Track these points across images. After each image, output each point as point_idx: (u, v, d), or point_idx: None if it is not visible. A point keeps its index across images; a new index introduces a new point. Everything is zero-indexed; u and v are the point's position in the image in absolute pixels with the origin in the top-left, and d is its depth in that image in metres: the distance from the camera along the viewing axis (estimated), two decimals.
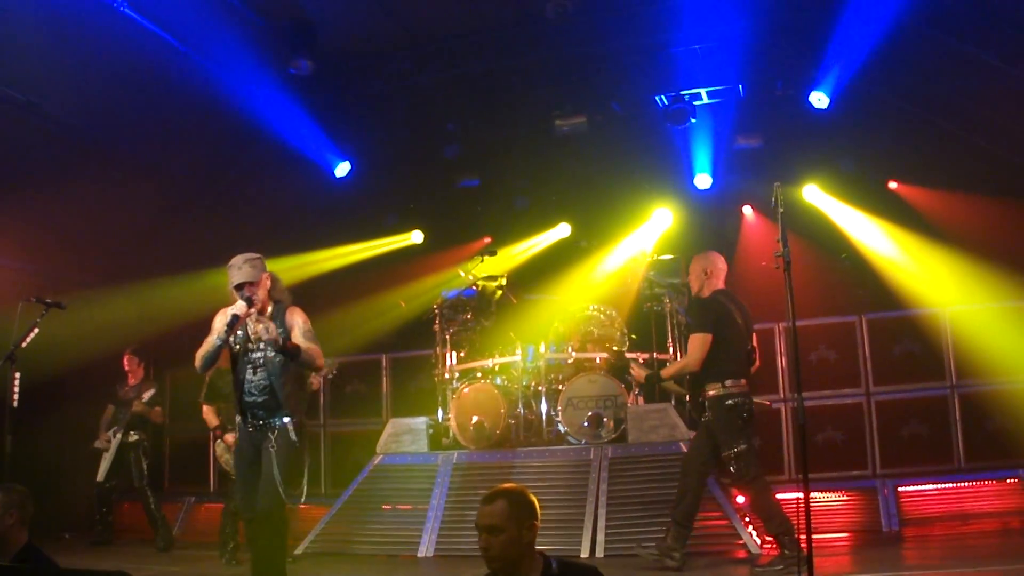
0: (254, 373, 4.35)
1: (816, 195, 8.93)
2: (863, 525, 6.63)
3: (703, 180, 9.17)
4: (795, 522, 4.76)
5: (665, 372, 5.57)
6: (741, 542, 5.69)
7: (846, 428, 7.47)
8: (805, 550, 3.99)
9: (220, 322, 4.33)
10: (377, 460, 7.18)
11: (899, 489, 6.71)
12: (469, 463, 6.85)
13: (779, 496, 5.30)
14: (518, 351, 7.35)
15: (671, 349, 7.57)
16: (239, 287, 4.31)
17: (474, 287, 7.89)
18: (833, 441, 7.47)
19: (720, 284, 5.45)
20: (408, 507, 6.72)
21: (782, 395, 7.73)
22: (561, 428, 6.98)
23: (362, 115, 9.11)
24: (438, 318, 7.86)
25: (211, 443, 7.17)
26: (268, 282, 4.43)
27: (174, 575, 6.12)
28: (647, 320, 7.67)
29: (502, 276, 8.03)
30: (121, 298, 8.65)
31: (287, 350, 4.19)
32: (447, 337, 7.76)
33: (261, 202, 9.60)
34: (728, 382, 5.16)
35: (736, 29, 7.70)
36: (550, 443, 7.06)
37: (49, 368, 6.81)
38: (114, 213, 8.54)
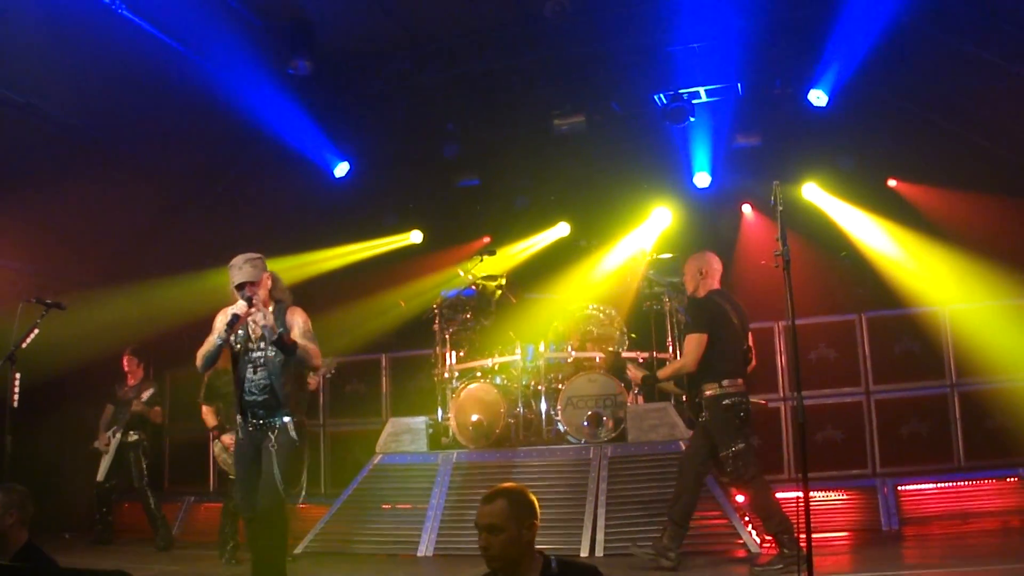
0: (254, 372, 4.36)
1: (815, 193, 8.93)
2: (863, 524, 6.63)
3: (702, 179, 9.16)
4: (795, 521, 4.76)
5: (662, 373, 5.57)
6: (741, 541, 5.69)
7: (846, 427, 7.47)
8: (805, 549, 4.00)
9: (221, 322, 4.34)
10: (377, 460, 7.19)
11: (899, 488, 6.72)
12: (469, 462, 6.85)
13: (779, 495, 5.30)
14: (518, 350, 7.35)
15: (670, 348, 7.56)
16: (240, 287, 4.33)
17: (474, 287, 7.90)
18: (833, 440, 7.47)
19: (715, 284, 5.46)
20: (408, 506, 6.72)
21: (782, 394, 7.73)
22: (561, 427, 6.98)
23: (361, 115, 9.11)
24: (438, 318, 7.86)
25: (210, 443, 7.18)
26: (269, 282, 4.45)
27: (174, 574, 6.12)
28: (647, 319, 7.67)
29: (502, 276, 8.04)
30: (121, 298, 8.65)
31: (284, 343, 4.20)
32: (447, 337, 7.77)
33: (260, 202, 9.60)
34: (725, 382, 5.17)
35: (735, 27, 7.69)
36: (550, 442, 7.07)
37: (49, 368, 6.81)
38: (114, 213, 8.55)
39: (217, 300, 4.77)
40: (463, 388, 7.17)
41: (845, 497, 6.80)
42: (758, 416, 7.52)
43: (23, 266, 8.22)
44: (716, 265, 5.50)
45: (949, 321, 7.38)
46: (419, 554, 6.28)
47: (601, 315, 7.61)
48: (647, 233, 9.50)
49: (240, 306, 4.27)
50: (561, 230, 10.20)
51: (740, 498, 5.84)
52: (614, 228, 9.69)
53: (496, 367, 7.50)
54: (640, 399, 7.18)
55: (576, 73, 8.49)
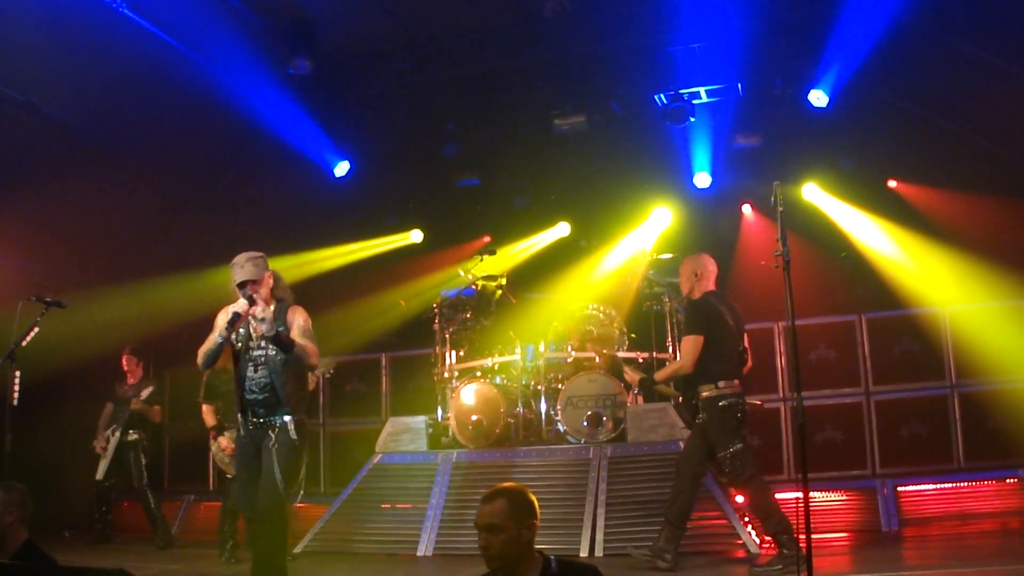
0: (255, 371, 4.37)
1: (816, 194, 8.93)
2: (862, 525, 6.63)
3: (702, 179, 9.16)
4: (794, 522, 4.76)
5: (659, 375, 5.58)
6: (740, 542, 5.69)
7: (845, 428, 7.47)
8: (804, 550, 4.00)
9: (222, 320, 4.34)
10: (376, 459, 7.19)
11: (898, 489, 6.71)
12: (468, 462, 6.85)
13: (778, 496, 5.30)
14: (517, 350, 7.35)
15: (670, 348, 7.56)
16: (241, 285, 4.34)
17: (474, 286, 7.90)
18: (832, 441, 7.46)
19: (711, 286, 5.46)
20: (407, 506, 6.72)
21: (781, 394, 7.73)
22: (560, 427, 6.98)
23: (361, 114, 9.11)
24: (438, 317, 7.87)
25: (210, 442, 7.18)
26: (270, 281, 4.46)
27: (174, 573, 6.12)
28: (646, 319, 7.68)
29: (502, 275, 8.04)
30: (121, 297, 8.65)
31: (281, 341, 4.21)
32: (447, 336, 7.77)
33: (261, 201, 9.60)
34: (721, 383, 5.18)
35: (735, 28, 7.70)
36: (549, 442, 7.07)
37: (49, 367, 6.81)
38: (114, 212, 8.55)
39: (217, 299, 4.77)
40: (463, 388, 7.17)
41: (845, 498, 6.79)
42: (758, 417, 7.55)
43: (23, 264, 8.22)
44: (711, 267, 5.51)
45: (949, 322, 7.38)
46: (419, 554, 6.28)
47: (601, 315, 7.61)
48: (647, 233, 9.50)
49: (241, 304, 4.27)
50: (561, 230, 10.20)
51: (740, 498, 5.84)
52: (614, 228, 9.69)
53: (496, 367, 7.50)
54: (640, 399, 7.19)
55: (576, 73, 8.50)
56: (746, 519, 5.83)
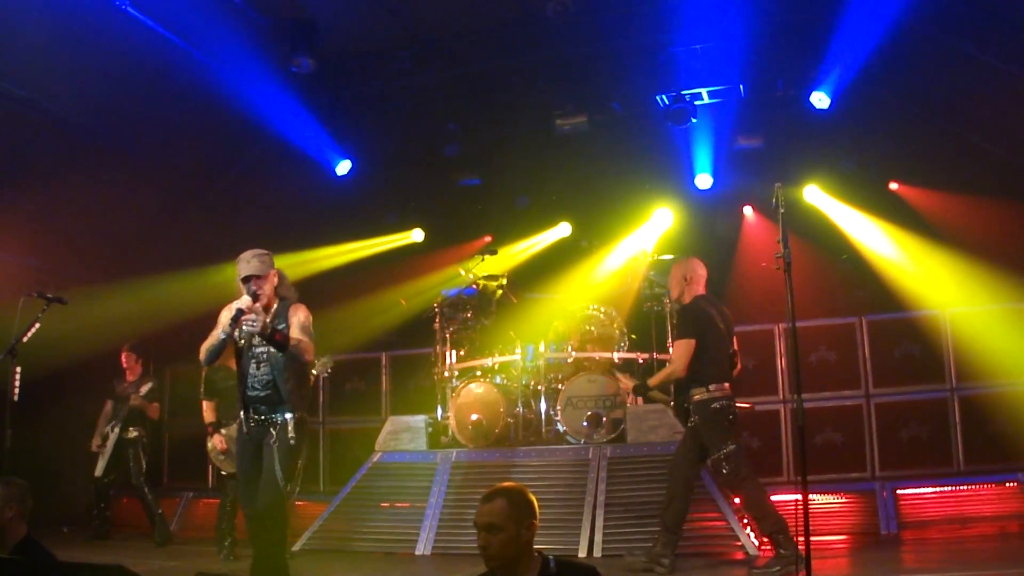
0: (257, 368, 4.38)
1: (817, 196, 8.94)
2: (861, 528, 6.63)
3: (704, 180, 9.17)
4: (793, 524, 4.76)
5: (652, 380, 5.58)
6: (739, 543, 5.69)
7: (845, 430, 7.46)
8: (803, 552, 4.00)
9: (226, 317, 4.35)
10: (376, 458, 7.19)
11: (898, 492, 6.70)
12: (468, 462, 6.85)
13: (777, 498, 5.30)
14: (518, 350, 7.35)
15: (671, 349, 7.56)
16: (246, 279, 4.34)
17: (474, 286, 7.90)
18: (832, 443, 7.46)
19: (701, 289, 5.48)
20: (406, 505, 6.72)
21: (781, 396, 7.73)
22: (560, 427, 6.98)
23: (363, 114, 9.11)
24: (438, 316, 7.87)
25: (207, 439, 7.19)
26: (275, 278, 4.49)
27: (172, 570, 6.12)
28: (647, 320, 7.67)
29: (502, 275, 8.04)
30: (122, 294, 8.65)
31: (275, 340, 4.21)
32: (447, 335, 7.77)
33: (262, 199, 9.60)
34: (712, 386, 5.20)
35: (737, 29, 7.69)
36: (549, 442, 7.07)
37: (50, 363, 6.81)
38: (115, 210, 8.55)
39: (218, 296, 4.78)
40: (463, 387, 7.17)
41: (844, 500, 6.79)
42: (757, 419, 7.57)
43: (24, 261, 8.23)
44: (701, 271, 5.53)
45: (950, 325, 7.38)
46: (417, 552, 6.28)
47: (601, 315, 7.61)
48: (648, 234, 9.50)
49: (244, 300, 4.28)
50: (562, 230, 10.21)
51: (736, 500, 5.84)
52: (615, 229, 9.69)
53: (496, 366, 7.50)
54: (640, 400, 7.19)
55: (578, 73, 8.50)
56: (745, 520, 5.83)
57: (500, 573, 2.86)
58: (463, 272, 8.04)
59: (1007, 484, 6.53)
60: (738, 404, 5.34)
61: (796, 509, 4.04)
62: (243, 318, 4.19)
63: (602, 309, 7.66)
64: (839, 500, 6.79)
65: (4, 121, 7.10)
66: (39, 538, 3.95)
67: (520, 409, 7.24)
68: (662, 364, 7.10)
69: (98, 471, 7.47)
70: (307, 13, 7.63)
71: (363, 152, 9.41)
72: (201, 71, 7.65)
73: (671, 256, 7.63)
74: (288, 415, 4.36)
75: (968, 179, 8.12)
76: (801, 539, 4.00)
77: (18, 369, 5.07)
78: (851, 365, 7.59)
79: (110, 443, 7.44)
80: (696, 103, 8.47)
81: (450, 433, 7.26)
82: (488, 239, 10.13)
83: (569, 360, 7.32)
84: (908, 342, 7.50)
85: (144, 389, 7.42)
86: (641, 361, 7.32)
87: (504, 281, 7.93)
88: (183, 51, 7.30)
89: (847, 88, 7.80)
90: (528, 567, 2.84)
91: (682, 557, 5.40)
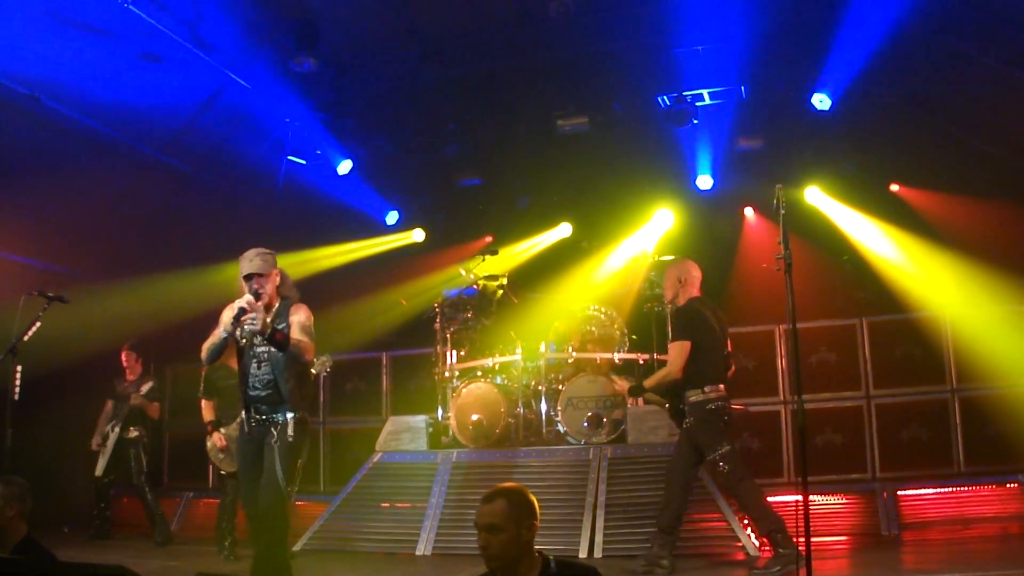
0: (258, 367, 4.39)
1: (818, 197, 8.94)
2: (862, 529, 6.63)
3: (705, 181, 9.17)
4: (794, 525, 4.75)
5: (648, 382, 5.58)
6: (739, 544, 5.69)
7: (846, 431, 7.46)
8: (804, 553, 4.00)
9: (228, 316, 4.35)
10: (376, 458, 7.19)
11: (898, 493, 6.71)
12: (468, 462, 6.85)
13: (778, 499, 5.30)
14: (518, 350, 7.35)
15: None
16: (248, 278, 4.35)
17: (475, 286, 7.90)
18: (833, 444, 7.46)
19: (695, 291, 5.49)
20: (407, 505, 6.72)
21: (782, 397, 7.72)
22: (561, 428, 6.99)
23: (364, 113, 9.11)
24: (439, 316, 7.87)
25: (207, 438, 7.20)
26: (277, 278, 4.49)
27: (173, 570, 6.12)
28: (648, 321, 7.67)
29: (503, 275, 8.04)
30: (123, 293, 8.65)
31: (275, 339, 4.22)
32: (448, 336, 7.77)
33: (263, 198, 9.60)
34: (707, 388, 5.21)
35: (738, 30, 7.70)
36: (550, 443, 7.07)
37: (50, 362, 6.81)
38: (117, 209, 8.55)
39: (219, 296, 4.78)
40: (463, 387, 7.17)
41: (845, 501, 6.79)
42: (758, 420, 7.57)
43: (26, 260, 8.23)
44: (696, 273, 5.54)
45: (950, 326, 7.38)
46: (418, 553, 6.27)
47: (602, 316, 7.62)
48: (649, 235, 9.51)
49: (246, 299, 4.28)
50: (563, 231, 10.22)
51: (735, 501, 5.84)
52: (616, 229, 9.70)
53: (497, 367, 7.50)
54: (640, 401, 7.19)
55: (579, 74, 8.50)
56: (745, 521, 5.83)
57: (501, 574, 2.86)
58: (464, 272, 8.03)
59: (1008, 485, 6.53)
60: (732, 406, 5.35)
61: (797, 510, 4.04)
62: (244, 317, 4.19)
63: (603, 310, 7.66)
64: (840, 501, 6.79)
65: (5, 119, 7.11)
66: (39, 538, 3.95)
67: (521, 409, 7.24)
68: (663, 365, 7.09)
69: (98, 471, 7.47)
70: (310, 12, 7.64)
71: (364, 151, 9.41)
72: (202, 70, 7.66)
73: (672, 257, 7.64)
74: (289, 415, 4.36)
75: (968, 181, 8.12)
76: (802, 540, 4.00)
77: (19, 368, 5.08)
78: (852, 366, 7.59)
79: (110, 443, 7.44)
80: (697, 104, 8.49)
81: (451, 433, 7.26)
82: (489, 239, 10.14)
83: (570, 361, 7.32)
84: (909, 343, 7.50)
85: (145, 388, 7.42)
86: (642, 362, 7.32)
87: (505, 281, 7.93)
88: (186, 49, 7.30)
89: (848, 89, 7.80)
90: (529, 567, 2.84)
91: (682, 558, 5.40)
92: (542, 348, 7.35)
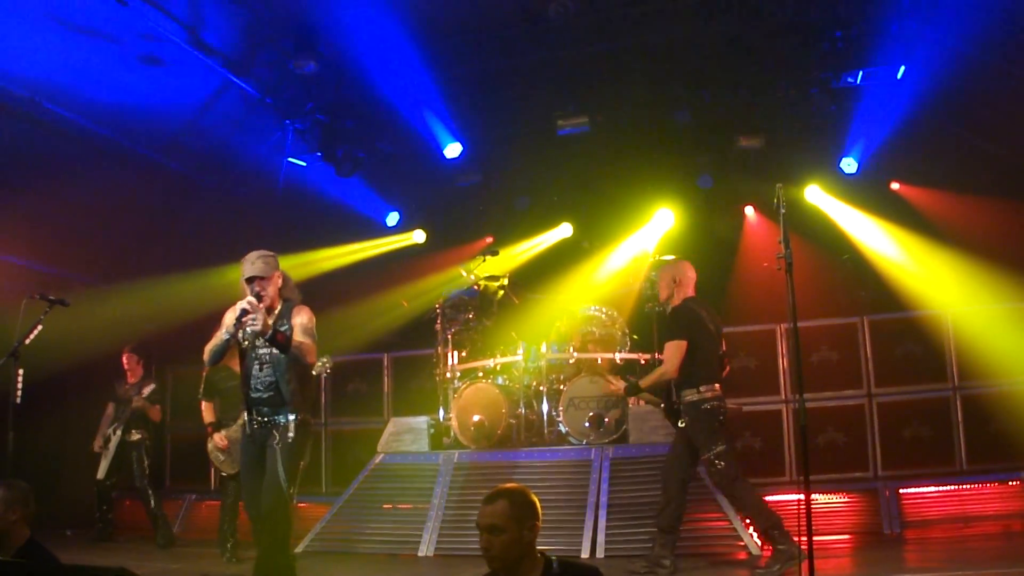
0: (260, 369, 4.39)
1: (818, 196, 8.93)
2: (864, 527, 6.62)
3: (706, 180, 9.18)
4: (795, 523, 4.76)
5: (644, 382, 5.59)
6: (742, 543, 5.69)
7: (847, 429, 7.45)
8: (806, 552, 4.00)
9: (230, 318, 4.36)
10: (378, 459, 7.19)
11: (900, 491, 6.70)
12: (470, 463, 6.85)
13: (780, 498, 5.30)
14: (519, 351, 7.35)
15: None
16: (250, 281, 4.36)
17: (476, 287, 7.90)
18: (834, 442, 7.45)
19: (690, 291, 5.50)
20: (409, 506, 6.72)
21: (783, 396, 7.72)
22: (562, 428, 6.98)
23: (364, 114, 9.12)
24: (440, 317, 7.87)
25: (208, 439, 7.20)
26: (279, 280, 4.50)
27: (175, 572, 6.13)
28: (649, 321, 7.66)
29: (504, 276, 8.04)
30: (124, 296, 8.66)
31: (277, 341, 4.22)
32: (449, 336, 7.77)
33: (263, 201, 9.61)
34: (703, 387, 5.22)
35: (739, 29, 7.71)
36: (551, 443, 7.06)
37: (52, 365, 6.82)
38: (118, 211, 8.56)
39: (220, 298, 4.78)
40: (465, 388, 7.17)
41: (846, 500, 6.78)
42: (760, 419, 7.57)
43: (27, 263, 8.24)
44: (690, 273, 5.55)
45: (951, 324, 7.37)
46: (420, 554, 6.27)
47: (603, 316, 7.61)
48: (649, 234, 9.50)
49: (248, 301, 4.29)
50: (563, 231, 10.22)
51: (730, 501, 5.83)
52: (616, 229, 9.70)
53: (498, 367, 7.50)
54: (642, 401, 7.18)
55: (579, 74, 8.50)
56: (747, 520, 5.83)
57: (503, 574, 2.86)
58: (464, 273, 8.03)
59: (1010, 483, 6.52)
60: (728, 405, 5.36)
61: (799, 509, 4.04)
62: (245, 318, 4.19)
63: (604, 310, 7.66)
64: (842, 500, 6.79)
65: (6, 123, 7.12)
66: (42, 541, 3.94)
67: (522, 410, 7.24)
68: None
69: (100, 473, 7.48)
70: (308, 15, 7.65)
71: (364, 152, 9.42)
72: (203, 72, 7.67)
73: (673, 256, 7.64)
74: (291, 417, 4.36)
75: (970, 179, 8.12)
76: (804, 539, 4.00)
77: (20, 371, 5.07)
78: (853, 365, 7.58)
79: (112, 445, 7.44)
80: (698, 104, 8.47)
81: (452, 434, 7.26)
82: (489, 240, 10.14)
83: (571, 361, 7.32)
84: (910, 342, 7.49)
85: (146, 391, 7.43)
86: (643, 362, 7.32)
87: (505, 282, 7.93)
88: (186, 52, 7.31)
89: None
90: (531, 568, 2.84)
91: (684, 557, 5.40)
92: (543, 348, 7.35)
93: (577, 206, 10.04)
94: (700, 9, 7.62)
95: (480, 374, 7.46)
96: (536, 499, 2.90)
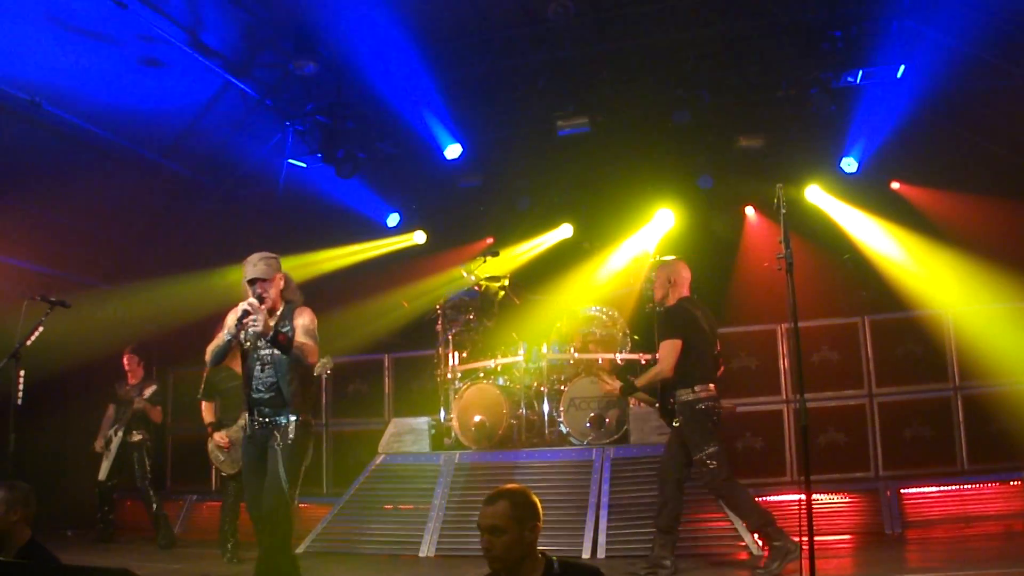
0: (262, 370, 4.40)
1: (819, 196, 8.93)
2: (865, 527, 6.62)
3: (706, 180, 9.18)
4: (796, 523, 4.76)
5: (639, 381, 5.59)
6: (743, 544, 5.69)
7: (848, 429, 7.45)
8: (807, 552, 4.00)
9: (232, 319, 4.37)
10: (379, 460, 7.19)
11: (902, 491, 6.69)
12: (471, 463, 6.85)
13: (781, 498, 5.30)
14: (520, 351, 7.35)
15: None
16: (252, 282, 4.37)
17: (477, 287, 7.90)
18: (835, 442, 7.45)
19: (685, 291, 5.51)
20: (410, 507, 6.72)
21: (784, 396, 7.71)
22: (563, 429, 6.98)
23: (365, 115, 9.12)
24: (441, 318, 7.87)
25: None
26: (281, 282, 4.51)
27: (176, 573, 6.13)
28: (649, 321, 7.66)
29: (504, 276, 8.04)
30: (125, 297, 8.68)
31: (278, 342, 4.23)
32: (449, 337, 7.77)
33: (264, 202, 9.62)
34: (697, 387, 5.23)
35: (739, 29, 7.71)
36: (552, 444, 7.07)
37: (53, 366, 6.84)
38: (119, 212, 8.58)
39: (220, 299, 4.80)
40: (466, 389, 7.17)
41: (848, 500, 6.77)
42: (761, 419, 7.57)
43: (28, 265, 8.25)
44: (685, 273, 5.56)
45: (952, 324, 7.36)
46: (421, 555, 6.27)
47: (604, 317, 7.61)
48: (650, 235, 9.50)
49: (250, 302, 4.29)
50: (564, 231, 10.22)
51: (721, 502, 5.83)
52: (617, 230, 9.70)
53: (499, 368, 7.50)
54: (638, 402, 7.18)
55: (579, 74, 8.50)
56: (741, 520, 5.82)
57: (504, 575, 2.86)
58: (465, 274, 8.04)
59: (1011, 483, 6.52)
60: (722, 404, 5.36)
61: (800, 509, 4.04)
62: (247, 319, 4.20)
63: (605, 310, 7.66)
64: (843, 500, 6.78)
65: (7, 125, 7.12)
66: (43, 541, 3.95)
67: (523, 410, 7.24)
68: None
69: (102, 474, 7.48)
70: (307, 15, 7.65)
71: (365, 153, 9.42)
72: (204, 73, 7.68)
73: (673, 257, 7.64)
74: (292, 418, 4.37)
75: (970, 178, 8.11)
76: (805, 539, 4.00)
77: (21, 373, 5.08)
78: (854, 365, 7.58)
79: (114, 446, 7.44)
80: (698, 103, 8.47)
81: (453, 435, 7.26)
82: (490, 240, 10.14)
83: (571, 361, 7.32)
84: (911, 341, 7.48)
85: (148, 392, 7.43)
86: (644, 362, 7.31)
87: (506, 282, 7.94)
88: (186, 55, 7.32)
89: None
90: (532, 569, 2.84)
91: (685, 558, 5.40)
92: (544, 349, 7.35)
93: (577, 206, 10.04)
94: (700, 9, 7.63)
95: (481, 375, 7.46)
96: (537, 500, 2.91)
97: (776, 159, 8.78)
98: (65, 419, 8.61)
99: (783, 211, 4.36)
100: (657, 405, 5.65)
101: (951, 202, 8.34)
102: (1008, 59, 6.97)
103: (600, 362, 7.24)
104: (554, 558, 2.89)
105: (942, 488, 6.67)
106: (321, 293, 8.80)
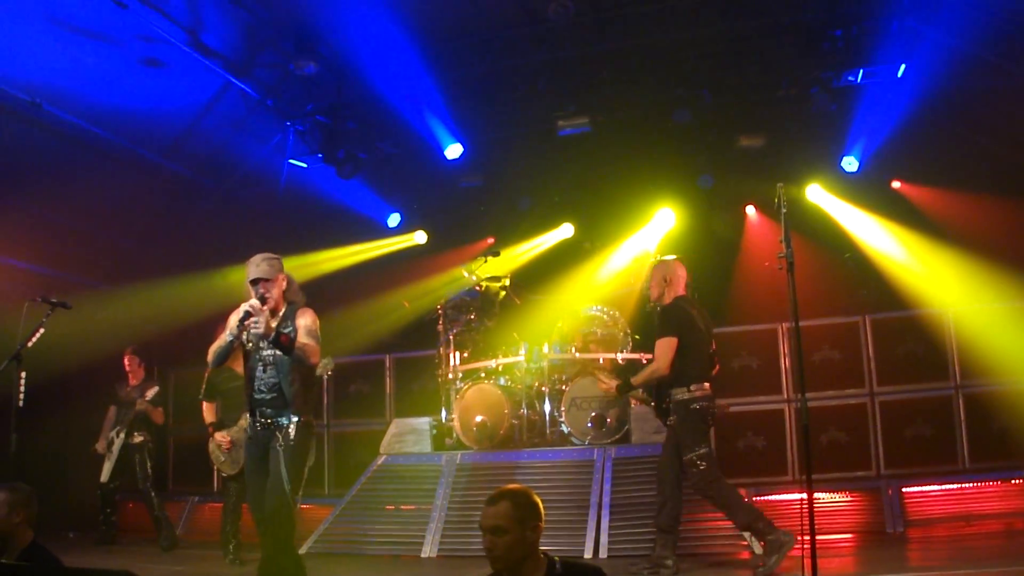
0: (264, 371, 4.40)
1: (819, 195, 8.93)
2: (867, 526, 6.62)
3: (706, 180, 9.18)
4: (798, 522, 4.76)
5: (635, 380, 5.59)
6: (744, 543, 5.69)
7: (850, 429, 7.45)
8: (809, 551, 3.99)
9: (234, 319, 4.37)
10: (380, 460, 7.19)
11: (903, 490, 6.69)
12: (473, 464, 6.86)
13: (782, 497, 5.30)
14: (521, 351, 7.35)
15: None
16: (254, 283, 4.37)
17: (477, 287, 7.90)
18: (837, 442, 7.45)
19: (681, 290, 5.52)
20: (411, 507, 6.73)
21: (786, 395, 7.71)
22: (564, 429, 6.98)
23: (365, 115, 9.12)
24: (442, 318, 7.87)
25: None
26: (283, 283, 4.52)
27: (178, 574, 6.14)
28: (651, 321, 7.65)
29: (505, 276, 8.04)
30: (127, 298, 8.67)
31: (280, 343, 4.23)
32: (451, 337, 7.77)
33: (265, 202, 9.62)
34: (692, 386, 5.23)
35: (739, 28, 7.70)
36: (553, 444, 7.07)
37: (54, 368, 6.83)
38: (120, 214, 8.58)
39: (221, 300, 4.80)
40: (467, 389, 7.17)
41: (849, 499, 6.78)
42: (762, 418, 7.57)
43: (29, 266, 8.25)
44: (681, 272, 5.57)
45: (953, 323, 7.36)
46: (423, 555, 6.28)
47: (605, 316, 7.61)
48: (651, 234, 9.50)
49: (251, 303, 4.30)
50: (565, 231, 10.22)
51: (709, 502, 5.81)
52: (618, 229, 9.70)
53: (500, 368, 7.50)
54: (633, 400, 7.17)
55: (579, 74, 8.50)
56: (728, 519, 5.81)
57: (506, 575, 2.86)
58: (466, 274, 8.04)
59: (1013, 481, 6.51)
60: (717, 404, 5.37)
61: (801, 508, 4.04)
62: (248, 320, 4.20)
63: (606, 310, 7.65)
64: (844, 499, 6.78)
65: (7, 126, 7.13)
66: (45, 543, 3.95)
67: (524, 411, 7.24)
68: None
69: (103, 476, 7.48)
70: (308, 15, 7.65)
71: (365, 153, 9.43)
72: (204, 74, 7.68)
73: (674, 256, 7.63)
74: (293, 418, 4.37)
75: (972, 177, 8.11)
76: (807, 538, 4.00)
77: (23, 374, 5.08)
78: (855, 364, 7.58)
79: (116, 448, 7.45)
80: (699, 103, 8.47)
81: (454, 435, 7.26)
82: (491, 241, 10.14)
83: (573, 361, 7.32)
84: (912, 340, 7.48)
85: (149, 394, 7.43)
86: (644, 361, 7.31)
87: (507, 282, 7.93)
88: (187, 55, 7.33)
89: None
90: (534, 569, 2.85)
91: (686, 557, 5.41)
92: (545, 349, 7.35)
93: (578, 206, 10.04)
94: (700, 9, 7.63)
95: (482, 375, 7.46)
96: (539, 500, 2.91)
97: (777, 158, 8.77)
98: (66, 420, 8.61)
99: (784, 210, 4.37)
100: (653, 404, 5.66)
101: (952, 201, 8.34)
102: (1008, 58, 6.96)
103: (601, 362, 7.24)
104: (556, 558, 2.89)
105: (943, 487, 6.67)
106: (322, 293, 8.79)
